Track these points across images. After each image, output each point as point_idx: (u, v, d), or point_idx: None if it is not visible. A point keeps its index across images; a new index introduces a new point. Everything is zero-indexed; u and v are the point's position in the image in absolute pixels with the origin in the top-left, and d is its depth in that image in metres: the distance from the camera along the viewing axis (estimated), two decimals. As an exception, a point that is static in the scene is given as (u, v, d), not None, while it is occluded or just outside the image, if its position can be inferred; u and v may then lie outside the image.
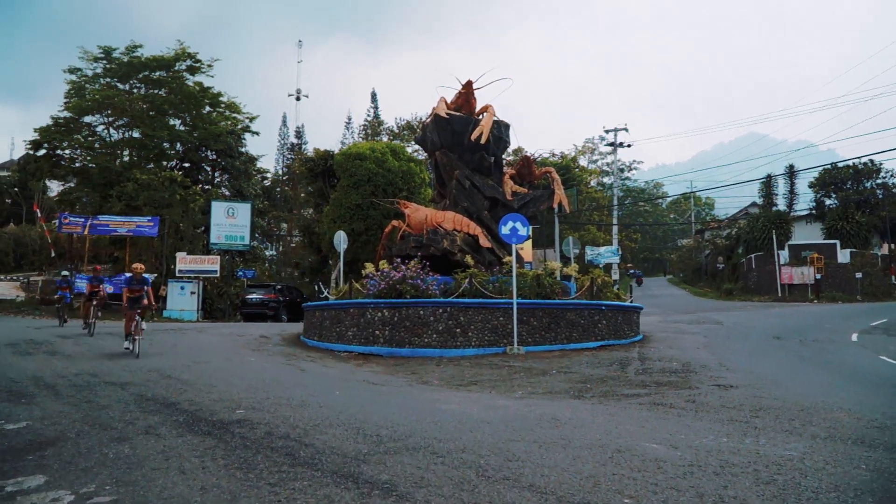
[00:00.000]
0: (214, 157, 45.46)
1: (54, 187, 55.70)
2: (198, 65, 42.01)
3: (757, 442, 6.26)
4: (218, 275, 35.05)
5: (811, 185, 51.33)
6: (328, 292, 19.70)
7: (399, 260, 15.93)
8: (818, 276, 41.56)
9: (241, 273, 38.76)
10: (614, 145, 47.26)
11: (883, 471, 5.31)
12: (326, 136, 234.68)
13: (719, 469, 5.32)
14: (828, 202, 50.00)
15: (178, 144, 43.86)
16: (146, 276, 14.63)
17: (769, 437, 6.49)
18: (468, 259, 16.34)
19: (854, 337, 17.14)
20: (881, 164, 48.80)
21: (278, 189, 63.48)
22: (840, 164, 49.60)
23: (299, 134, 72.19)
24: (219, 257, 35.67)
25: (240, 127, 45.22)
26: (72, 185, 45.10)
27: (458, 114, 18.16)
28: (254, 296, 31.21)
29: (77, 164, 42.97)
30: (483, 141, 17.34)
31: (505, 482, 4.93)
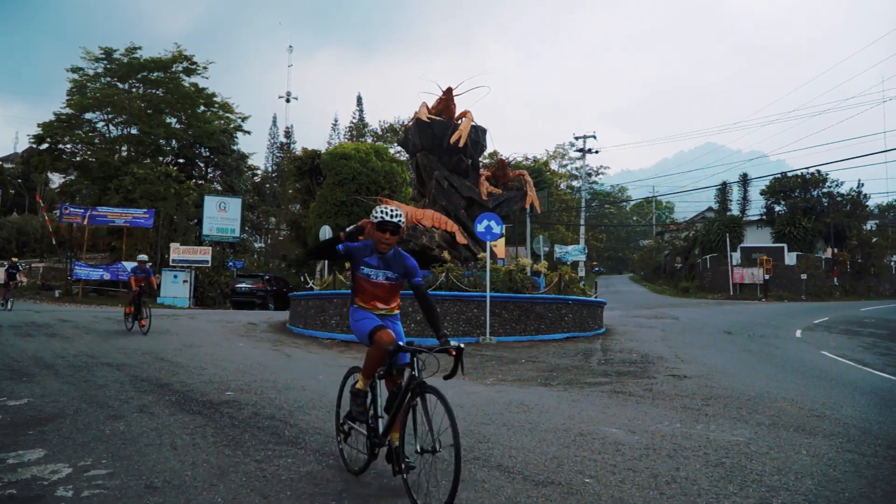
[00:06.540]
0: (208, 153, 45.07)
1: (56, 179, 54.97)
2: (194, 67, 41.73)
3: (707, 428, 6.35)
4: (209, 265, 34.79)
5: (762, 193, 52.09)
6: (313, 283, 19.60)
7: (380, 254, 15.88)
8: (767, 277, 42.13)
9: (231, 263, 38.43)
10: (583, 151, 47.39)
11: (822, 456, 5.42)
12: (314, 137, 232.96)
13: (672, 452, 5.40)
14: (777, 208, 50.67)
15: (174, 141, 43.48)
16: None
17: (718, 423, 6.59)
18: (445, 254, 16.35)
19: (798, 333, 17.38)
20: (827, 174, 49.65)
21: (268, 185, 62.98)
22: (789, 174, 50.24)
23: (288, 134, 71.60)
24: (210, 248, 35.39)
25: (232, 126, 44.88)
26: (72, 177, 44.63)
27: (438, 118, 18.14)
28: (243, 285, 31.02)
29: (77, 158, 42.44)
30: (461, 144, 17.34)
31: (476, 462, 4.97)
